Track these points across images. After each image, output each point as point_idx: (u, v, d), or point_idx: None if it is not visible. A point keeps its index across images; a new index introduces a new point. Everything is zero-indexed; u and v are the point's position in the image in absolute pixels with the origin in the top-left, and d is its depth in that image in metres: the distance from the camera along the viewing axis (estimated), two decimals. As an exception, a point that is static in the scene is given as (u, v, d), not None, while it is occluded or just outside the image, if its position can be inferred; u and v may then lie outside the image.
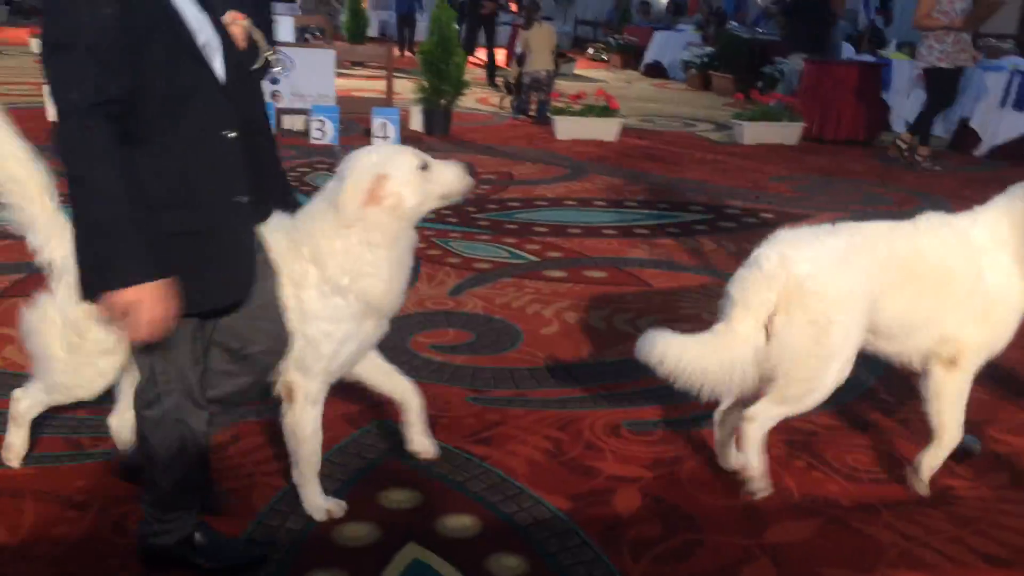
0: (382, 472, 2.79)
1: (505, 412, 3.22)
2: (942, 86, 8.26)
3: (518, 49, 11.16)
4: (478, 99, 12.20)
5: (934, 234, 2.69)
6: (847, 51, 12.23)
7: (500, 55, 14.30)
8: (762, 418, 2.64)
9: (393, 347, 3.71)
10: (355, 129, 9.12)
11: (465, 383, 3.45)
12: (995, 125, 9.38)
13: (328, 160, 7.57)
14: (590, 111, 9.36)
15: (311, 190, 6.51)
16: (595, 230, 5.83)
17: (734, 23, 16.73)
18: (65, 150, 1.82)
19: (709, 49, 15.49)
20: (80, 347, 2.46)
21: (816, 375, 2.58)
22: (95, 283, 1.90)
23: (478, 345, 3.83)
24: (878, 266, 2.61)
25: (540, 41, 10.50)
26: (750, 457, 2.65)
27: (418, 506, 2.61)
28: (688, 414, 3.20)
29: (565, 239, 5.56)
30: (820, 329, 2.52)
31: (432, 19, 8.90)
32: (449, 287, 4.56)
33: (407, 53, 17.13)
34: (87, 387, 2.54)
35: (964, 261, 2.65)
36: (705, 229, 5.99)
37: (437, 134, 9.07)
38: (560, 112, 9.38)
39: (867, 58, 11.62)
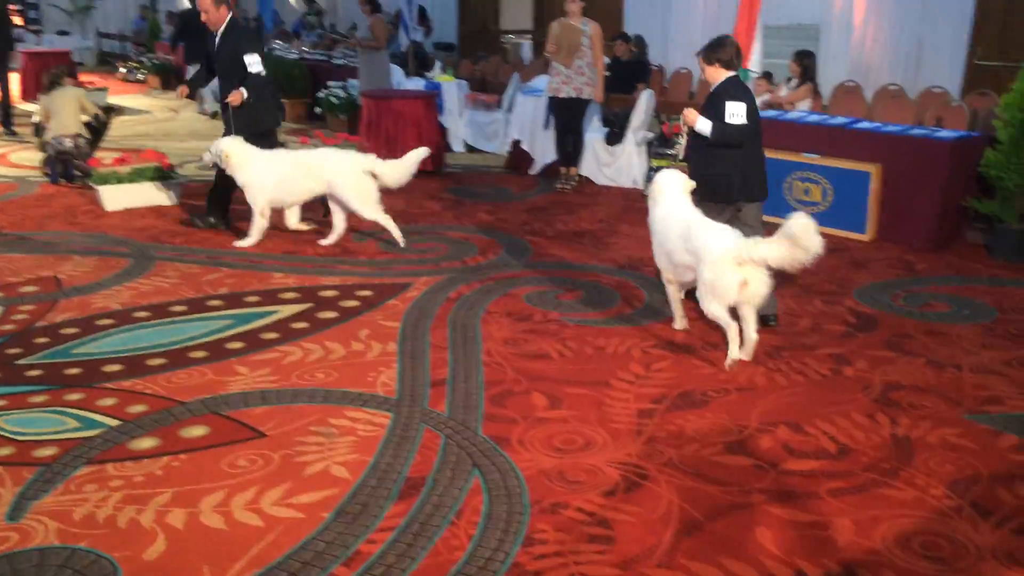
0: None
1: None
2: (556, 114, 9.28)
3: (35, 119, 9.48)
4: (-7, 159, 10.22)
5: None
6: (397, 74, 12.35)
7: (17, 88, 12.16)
8: None
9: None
10: None
11: None
12: (541, 145, 10.11)
13: None
14: (141, 175, 8.24)
15: None
16: (180, 355, 4.89)
17: (278, 43, 16.01)
18: None
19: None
20: None
21: None
22: None
23: (63, 609, 2.95)
24: None
25: (63, 104, 9.01)
26: None
27: None
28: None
29: (147, 379, 4.58)
30: None
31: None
32: (6, 507, 3.46)
33: None
34: None
35: None
36: (307, 327, 5.41)
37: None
38: (105, 181, 8.12)
39: (419, 83, 11.87)
